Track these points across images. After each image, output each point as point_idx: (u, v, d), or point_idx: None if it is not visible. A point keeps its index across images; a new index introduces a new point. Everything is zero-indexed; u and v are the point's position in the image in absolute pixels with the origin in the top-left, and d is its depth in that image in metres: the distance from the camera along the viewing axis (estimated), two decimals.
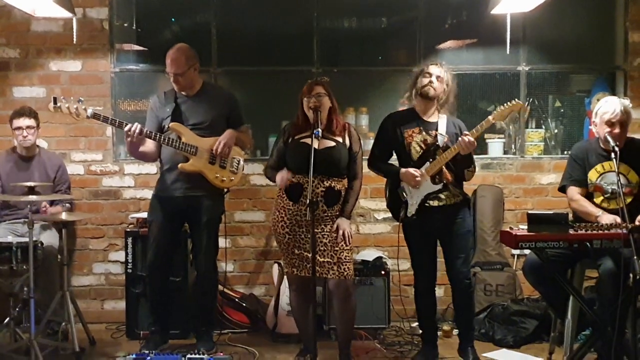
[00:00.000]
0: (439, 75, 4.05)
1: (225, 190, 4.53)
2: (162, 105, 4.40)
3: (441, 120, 4.11)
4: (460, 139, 3.91)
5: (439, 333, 4.49)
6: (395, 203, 4.19)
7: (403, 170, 4.09)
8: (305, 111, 4.00)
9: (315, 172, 3.85)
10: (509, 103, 3.97)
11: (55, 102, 4.08)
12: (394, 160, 4.29)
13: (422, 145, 4.08)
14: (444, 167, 4.03)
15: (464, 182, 4.20)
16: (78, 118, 4.11)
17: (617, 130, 3.87)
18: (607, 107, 3.93)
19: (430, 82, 4.04)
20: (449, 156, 3.97)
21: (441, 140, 4.05)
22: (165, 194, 4.37)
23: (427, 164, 4.03)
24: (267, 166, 4.20)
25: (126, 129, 4.13)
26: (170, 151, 4.32)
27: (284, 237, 4.04)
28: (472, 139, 3.89)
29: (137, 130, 4.13)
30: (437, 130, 4.09)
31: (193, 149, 4.26)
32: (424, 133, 4.10)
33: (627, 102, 3.99)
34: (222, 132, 4.37)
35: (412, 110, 4.19)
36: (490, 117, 3.96)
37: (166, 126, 4.32)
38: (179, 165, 4.26)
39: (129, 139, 4.15)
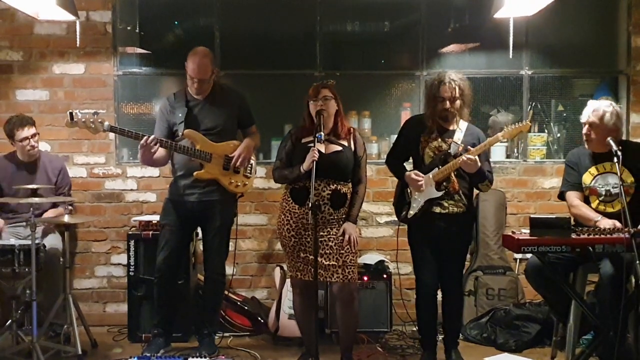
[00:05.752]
0: (450, 96, 4.03)
1: (239, 194, 4.53)
2: (173, 108, 4.37)
3: (460, 127, 4.10)
4: (461, 159, 3.92)
5: (439, 338, 4.47)
6: (401, 202, 4.20)
7: (408, 172, 4.11)
8: (312, 114, 4.00)
9: (321, 175, 3.87)
10: (518, 124, 4.02)
11: (71, 118, 4.04)
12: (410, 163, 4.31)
13: (435, 152, 4.09)
14: (453, 175, 4.02)
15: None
16: (95, 134, 4.08)
17: (584, 131, 3.97)
18: (584, 110, 4.04)
19: (445, 109, 4.03)
20: (453, 167, 3.97)
21: (454, 148, 4.03)
22: (180, 198, 4.38)
23: (436, 169, 4.04)
24: (276, 168, 4.16)
25: (142, 141, 4.12)
26: (184, 157, 4.32)
27: (290, 241, 4.04)
28: (472, 157, 3.89)
29: (155, 142, 4.13)
30: (453, 138, 4.09)
31: (207, 156, 4.26)
32: (439, 140, 4.10)
33: (604, 104, 3.99)
34: (234, 134, 4.38)
35: None
36: (499, 135, 3.98)
37: (179, 131, 4.30)
38: (195, 174, 4.26)
39: (142, 148, 4.15)
